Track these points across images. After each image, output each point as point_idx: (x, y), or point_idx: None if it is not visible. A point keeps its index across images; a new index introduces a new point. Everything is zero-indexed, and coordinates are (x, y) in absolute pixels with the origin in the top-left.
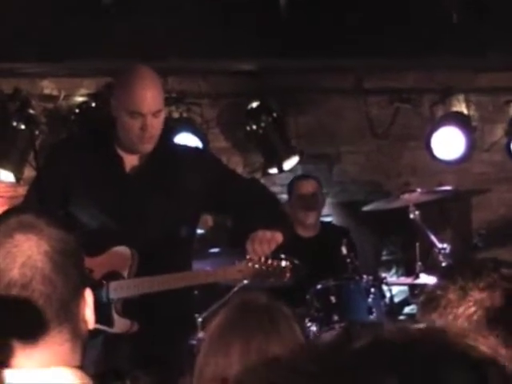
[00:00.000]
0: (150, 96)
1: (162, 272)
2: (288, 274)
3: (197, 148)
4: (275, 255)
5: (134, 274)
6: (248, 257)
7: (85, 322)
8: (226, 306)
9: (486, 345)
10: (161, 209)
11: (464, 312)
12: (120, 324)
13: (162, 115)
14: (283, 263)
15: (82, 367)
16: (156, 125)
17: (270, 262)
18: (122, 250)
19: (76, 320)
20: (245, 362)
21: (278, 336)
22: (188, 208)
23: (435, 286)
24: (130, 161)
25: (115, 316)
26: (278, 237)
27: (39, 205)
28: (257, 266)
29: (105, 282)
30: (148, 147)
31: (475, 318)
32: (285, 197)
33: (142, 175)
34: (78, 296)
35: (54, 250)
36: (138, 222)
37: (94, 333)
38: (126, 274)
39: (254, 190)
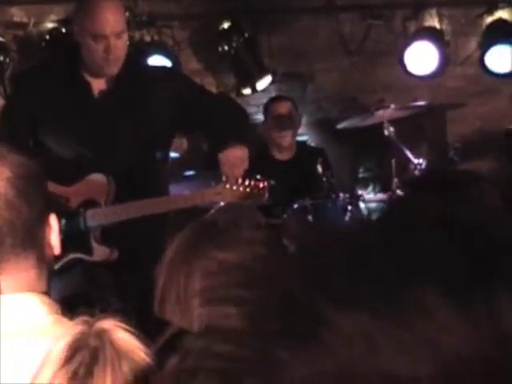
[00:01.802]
0: (111, 18)
1: (139, 197)
2: (266, 194)
3: (165, 67)
4: (252, 176)
5: (111, 201)
6: (224, 179)
7: (50, 247)
8: (186, 227)
9: None
10: (132, 131)
11: None
12: (99, 252)
13: (125, 37)
14: (260, 184)
15: (48, 293)
16: (120, 46)
17: (247, 183)
18: (98, 177)
19: (41, 246)
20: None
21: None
22: (160, 128)
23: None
24: (98, 85)
25: (94, 244)
26: (246, 153)
27: (8, 134)
28: (234, 187)
29: (82, 210)
30: (114, 69)
31: None
32: (259, 117)
33: (110, 99)
34: (43, 221)
35: (15, 176)
36: (110, 147)
37: (73, 262)
38: (103, 201)
39: (223, 105)
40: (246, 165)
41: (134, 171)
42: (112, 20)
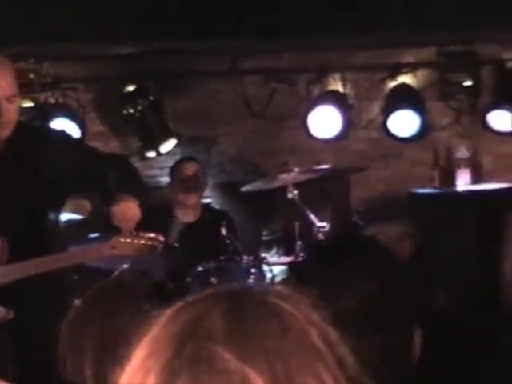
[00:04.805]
0: (2, 82)
1: (33, 257)
2: (160, 246)
3: (56, 130)
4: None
5: (5, 261)
6: (120, 234)
7: None
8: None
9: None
10: (24, 194)
11: None
12: None
13: (18, 100)
14: (154, 236)
15: None
16: (12, 109)
17: (141, 235)
18: None
19: None
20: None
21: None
22: (52, 190)
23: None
24: None
25: None
26: (136, 206)
27: None
28: (128, 240)
29: None
30: (5, 132)
31: None
32: (163, 180)
33: (1, 162)
34: None
35: None
36: (2, 209)
37: None
38: None
39: (115, 164)
40: (137, 217)
41: (26, 232)
42: (3, 83)
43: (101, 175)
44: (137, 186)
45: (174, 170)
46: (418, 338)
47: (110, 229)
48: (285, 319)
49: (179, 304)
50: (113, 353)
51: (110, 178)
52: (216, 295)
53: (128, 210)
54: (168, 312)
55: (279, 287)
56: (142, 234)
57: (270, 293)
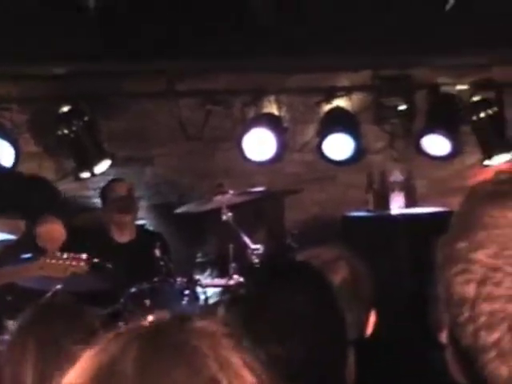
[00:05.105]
0: None
1: None
2: (85, 264)
3: None
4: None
5: None
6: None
7: None
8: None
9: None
10: None
11: None
12: None
13: None
14: (78, 256)
15: None
16: None
17: (65, 256)
18: None
19: None
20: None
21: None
22: None
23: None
24: None
25: None
26: (60, 227)
27: None
28: (54, 261)
29: None
30: None
31: None
32: (98, 201)
33: None
34: None
35: None
36: None
37: None
38: None
39: (37, 186)
40: (62, 238)
41: None
42: None
43: (25, 197)
44: (59, 207)
45: (105, 191)
46: (351, 358)
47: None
48: (197, 363)
49: (97, 345)
50: (53, 366)
51: (34, 199)
52: (131, 335)
53: (53, 230)
54: (87, 353)
55: (202, 324)
56: (66, 255)
57: (189, 332)
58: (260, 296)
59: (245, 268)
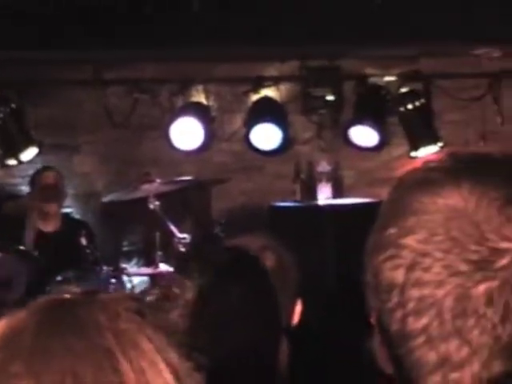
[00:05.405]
0: None
1: None
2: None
3: None
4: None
5: None
6: None
7: None
8: None
9: None
10: None
11: None
12: None
13: None
14: None
15: None
16: None
17: None
18: None
19: None
20: None
21: None
22: None
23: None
24: None
25: None
26: None
27: None
28: None
29: None
30: None
31: None
32: (24, 188)
33: None
34: None
35: None
36: None
37: None
38: None
39: None
40: None
41: None
42: None
43: None
44: None
45: (33, 179)
46: (284, 345)
47: None
48: (94, 334)
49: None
50: None
51: None
52: (36, 307)
53: None
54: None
55: (106, 298)
56: None
57: (91, 304)
58: (200, 288)
59: (176, 258)
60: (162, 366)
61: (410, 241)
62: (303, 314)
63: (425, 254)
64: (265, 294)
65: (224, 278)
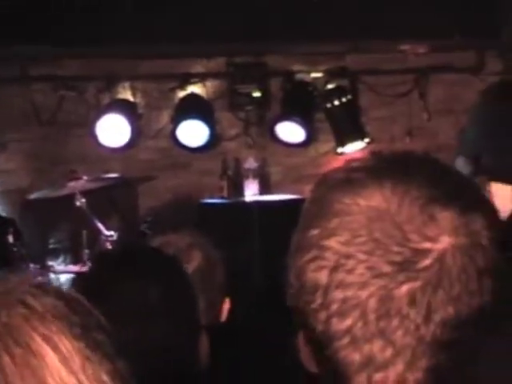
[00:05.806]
0: None
1: None
2: None
3: None
4: None
5: None
6: None
7: None
8: None
9: None
10: None
11: None
12: None
13: None
14: None
15: None
16: None
17: None
18: None
19: None
20: None
21: None
22: None
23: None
24: None
25: None
26: None
27: None
28: None
29: None
30: None
31: None
32: None
33: None
34: None
35: None
36: None
37: None
38: None
39: None
40: None
41: None
42: None
43: None
44: None
45: None
46: (205, 342)
47: None
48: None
49: None
50: None
51: None
52: None
53: None
54: None
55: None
56: None
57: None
58: (105, 286)
59: (95, 255)
60: (51, 356)
61: (332, 243)
62: (231, 311)
63: (348, 256)
64: (181, 292)
65: (139, 276)
